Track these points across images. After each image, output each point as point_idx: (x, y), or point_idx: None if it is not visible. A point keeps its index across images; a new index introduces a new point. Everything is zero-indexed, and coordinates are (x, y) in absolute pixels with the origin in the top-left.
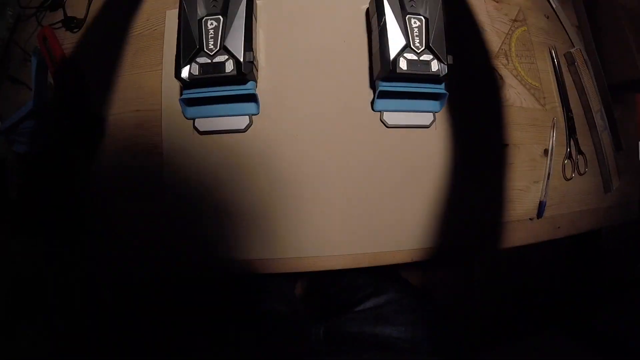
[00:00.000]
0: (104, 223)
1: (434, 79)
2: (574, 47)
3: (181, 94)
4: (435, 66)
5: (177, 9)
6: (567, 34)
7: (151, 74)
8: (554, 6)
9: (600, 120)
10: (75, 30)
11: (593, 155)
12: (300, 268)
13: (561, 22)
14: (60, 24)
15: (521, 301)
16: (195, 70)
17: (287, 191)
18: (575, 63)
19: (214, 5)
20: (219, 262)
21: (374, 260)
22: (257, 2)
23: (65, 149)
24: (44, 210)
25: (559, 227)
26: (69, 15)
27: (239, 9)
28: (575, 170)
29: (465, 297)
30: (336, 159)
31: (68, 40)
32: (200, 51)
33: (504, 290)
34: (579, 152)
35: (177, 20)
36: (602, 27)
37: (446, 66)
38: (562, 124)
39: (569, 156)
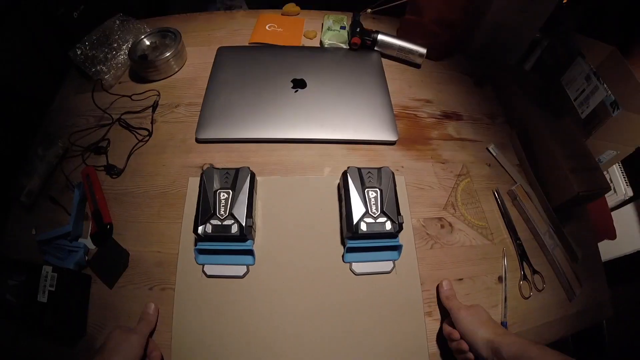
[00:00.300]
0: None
1: (389, 235)
2: (515, 183)
3: (195, 244)
4: (389, 225)
5: (198, 178)
6: (509, 174)
7: (172, 225)
8: (494, 154)
9: (549, 240)
10: (114, 176)
11: (550, 272)
12: None
13: (502, 166)
14: (102, 168)
15: None
16: (209, 229)
17: (275, 327)
18: (517, 197)
19: (225, 181)
20: None
21: None
22: (258, 178)
23: (95, 272)
24: (61, 319)
25: None
26: (110, 162)
27: (244, 186)
28: (533, 289)
29: None
30: (314, 302)
31: (107, 183)
32: (213, 215)
33: None
34: (534, 272)
35: (197, 187)
36: (538, 159)
37: (397, 224)
38: (512, 252)
39: (524, 277)
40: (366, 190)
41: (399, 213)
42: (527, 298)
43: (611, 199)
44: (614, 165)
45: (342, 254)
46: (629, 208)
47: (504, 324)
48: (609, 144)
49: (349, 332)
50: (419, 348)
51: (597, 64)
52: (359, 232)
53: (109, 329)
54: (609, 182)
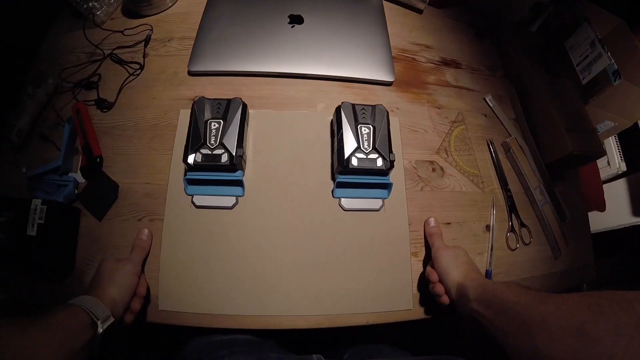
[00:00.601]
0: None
1: (380, 172)
2: (510, 136)
3: (185, 175)
4: (380, 162)
5: (189, 110)
6: (504, 126)
7: (163, 156)
8: (491, 105)
9: (539, 196)
10: (104, 110)
11: (537, 227)
12: (268, 325)
13: (498, 118)
14: (93, 102)
15: None
16: (199, 157)
17: (263, 259)
18: (511, 150)
19: (217, 111)
20: (200, 316)
21: (333, 322)
22: (250, 111)
23: (85, 204)
24: (50, 252)
25: None
26: (101, 97)
27: (236, 116)
28: (520, 242)
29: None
30: (303, 235)
31: (97, 117)
32: (204, 144)
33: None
34: (522, 225)
35: (188, 118)
36: (535, 114)
37: (389, 162)
38: (502, 203)
39: (512, 229)
40: (359, 126)
41: (390, 151)
42: (514, 250)
43: (604, 172)
44: (610, 138)
45: (331, 189)
46: (621, 183)
47: (488, 272)
48: (608, 113)
49: (334, 267)
50: (404, 287)
51: (603, 34)
52: (350, 166)
53: (98, 262)
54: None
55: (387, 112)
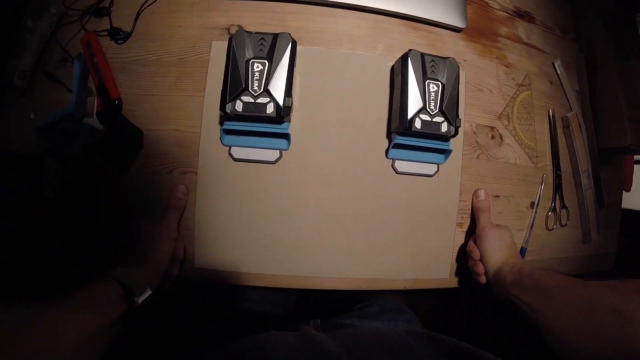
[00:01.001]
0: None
1: (442, 137)
2: (571, 111)
3: (221, 123)
4: (445, 127)
5: (225, 43)
6: (567, 99)
7: (193, 99)
8: (558, 72)
9: (586, 180)
10: (120, 42)
11: (576, 210)
12: (307, 285)
13: (563, 88)
14: (105, 33)
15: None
16: (239, 107)
17: (305, 217)
18: (570, 127)
19: (260, 50)
20: (238, 275)
21: (371, 286)
22: (297, 48)
23: (105, 156)
24: (75, 213)
25: None
26: (114, 25)
27: (284, 57)
28: (557, 222)
29: (447, 323)
30: (350, 196)
31: (112, 50)
32: (245, 90)
33: (485, 324)
34: (563, 206)
35: (223, 53)
36: (599, 93)
37: (454, 128)
38: (550, 180)
39: (553, 209)
40: (427, 82)
41: (457, 115)
42: (550, 230)
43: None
44: None
45: (386, 148)
46: None
47: (523, 250)
48: None
49: (379, 231)
50: (444, 256)
51: None
52: (413, 128)
53: (125, 221)
54: None
55: (459, 69)
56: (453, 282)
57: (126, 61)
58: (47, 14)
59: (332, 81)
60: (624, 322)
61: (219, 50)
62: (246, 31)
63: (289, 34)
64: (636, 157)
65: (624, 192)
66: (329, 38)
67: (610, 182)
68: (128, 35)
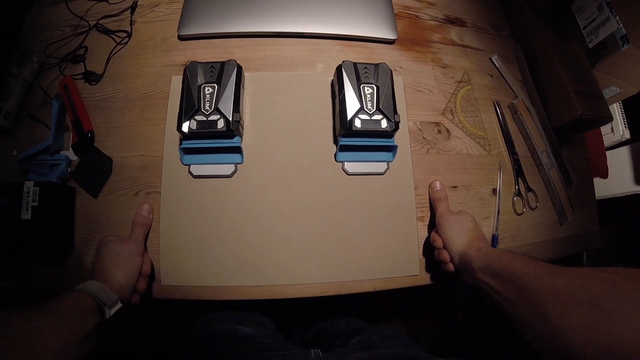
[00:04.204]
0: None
1: (384, 134)
2: (517, 98)
3: (180, 144)
4: (384, 124)
5: (182, 76)
6: (511, 88)
7: (156, 126)
8: (497, 65)
9: (546, 159)
10: (93, 83)
11: (544, 192)
12: (273, 295)
13: (505, 79)
14: (80, 76)
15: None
16: (194, 125)
17: (265, 227)
18: (518, 112)
19: (210, 75)
20: (205, 289)
21: (340, 290)
22: (245, 74)
23: (79, 182)
24: (47, 234)
25: None
26: (88, 69)
27: (230, 80)
28: (526, 206)
29: (448, 349)
30: (306, 202)
31: (86, 91)
32: (198, 110)
33: (488, 341)
34: (528, 189)
35: (180, 85)
36: (543, 76)
37: (394, 123)
38: (509, 166)
39: (518, 193)
40: (362, 85)
41: (395, 111)
42: (520, 214)
43: (607, 138)
44: (615, 105)
45: (334, 152)
46: (624, 150)
47: (495, 237)
48: (613, 79)
49: (339, 233)
50: (410, 253)
51: None
52: (353, 128)
53: (96, 241)
54: None
55: (391, 71)
56: (425, 279)
57: (98, 99)
58: (30, 62)
59: (279, 99)
60: (603, 317)
61: (177, 83)
62: (198, 62)
63: (235, 60)
64: (606, 143)
65: (602, 180)
66: (273, 63)
67: (575, 161)
68: (100, 77)
